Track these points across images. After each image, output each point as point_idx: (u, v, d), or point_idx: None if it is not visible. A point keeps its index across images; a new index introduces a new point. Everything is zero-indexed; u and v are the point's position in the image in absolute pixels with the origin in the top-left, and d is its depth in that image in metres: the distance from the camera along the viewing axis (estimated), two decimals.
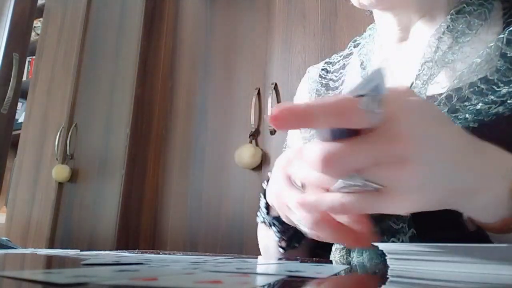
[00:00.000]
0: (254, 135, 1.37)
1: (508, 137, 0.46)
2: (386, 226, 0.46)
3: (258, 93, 1.40)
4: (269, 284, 0.20)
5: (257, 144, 1.36)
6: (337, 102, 0.25)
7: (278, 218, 0.47)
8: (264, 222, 0.51)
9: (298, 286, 0.22)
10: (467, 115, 0.46)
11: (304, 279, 0.24)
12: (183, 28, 1.70)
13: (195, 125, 1.55)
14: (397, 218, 0.46)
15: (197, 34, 1.65)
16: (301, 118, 0.27)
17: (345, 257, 0.50)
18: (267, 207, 0.50)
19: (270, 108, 1.31)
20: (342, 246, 0.51)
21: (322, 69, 0.71)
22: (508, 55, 0.47)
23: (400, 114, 0.27)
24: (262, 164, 1.33)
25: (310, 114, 0.27)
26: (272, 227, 0.50)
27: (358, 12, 0.69)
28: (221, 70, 1.54)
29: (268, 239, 0.57)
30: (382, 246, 0.31)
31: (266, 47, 1.43)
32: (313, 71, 0.72)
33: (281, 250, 0.53)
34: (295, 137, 0.67)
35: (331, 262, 0.43)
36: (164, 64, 1.72)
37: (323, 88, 0.68)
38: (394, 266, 0.30)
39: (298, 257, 0.57)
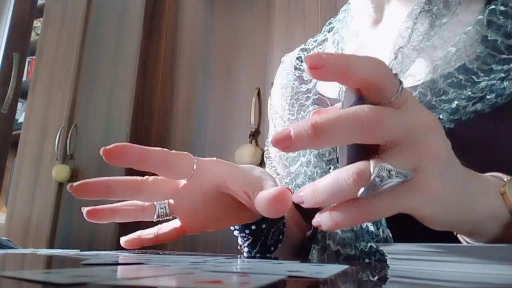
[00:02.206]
0: (254, 135, 1.37)
1: (487, 137, 0.42)
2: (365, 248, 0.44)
3: (258, 93, 1.40)
4: (269, 284, 0.20)
5: (257, 144, 1.36)
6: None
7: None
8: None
9: (298, 286, 0.22)
10: (441, 116, 0.42)
11: (304, 279, 0.24)
12: (183, 28, 1.70)
13: (195, 125, 1.55)
14: (373, 238, 0.43)
15: (197, 34, 1.65)
16: (133, 159, 0.35)
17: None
18: None
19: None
20: (319, 246, 0.49)
21: (297, 58, 0.65)
22: (489, 38, 0.42)
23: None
24: (262, 164, 1.33)
25: (142, 157, 0.36)
26: (234, 231, 0.48)
27: None
28: (221, 70, 1.54)
29: None
30: (382, 246, 0.31)
31: (266, 47, 1.43)
32: (287, 62, 0.67)
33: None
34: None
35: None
36: (164, 64, 1.72)
37: (296, 82, 0.63)
38: (394, 266, 0.30)
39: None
